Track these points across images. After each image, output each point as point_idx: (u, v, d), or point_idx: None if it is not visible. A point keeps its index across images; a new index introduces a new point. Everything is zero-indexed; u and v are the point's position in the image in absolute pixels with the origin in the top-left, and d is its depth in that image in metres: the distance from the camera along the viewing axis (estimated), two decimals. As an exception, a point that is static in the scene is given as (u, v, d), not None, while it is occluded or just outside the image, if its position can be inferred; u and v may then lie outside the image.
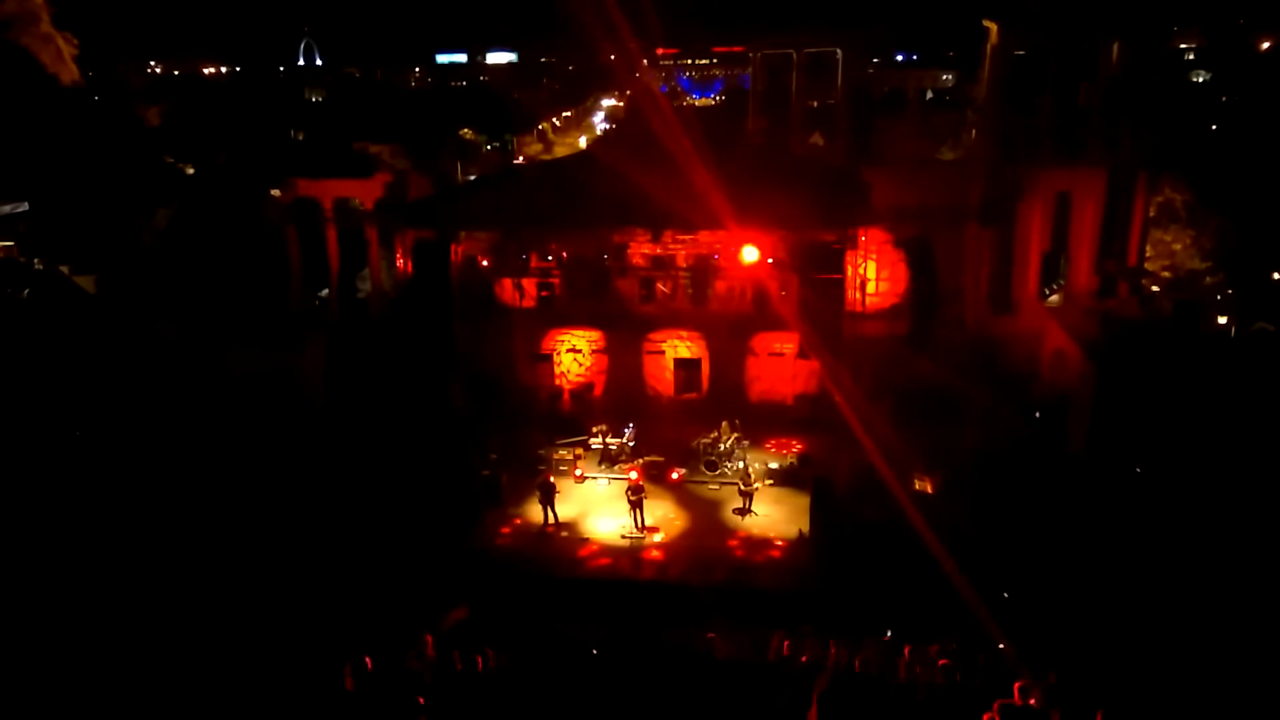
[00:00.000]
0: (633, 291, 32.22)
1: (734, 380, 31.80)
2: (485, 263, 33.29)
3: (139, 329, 30.87)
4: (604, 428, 28.31)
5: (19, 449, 23.18)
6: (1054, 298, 31.81)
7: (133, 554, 19.67)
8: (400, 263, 34.12)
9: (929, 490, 24.14)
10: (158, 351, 29.59)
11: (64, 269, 34.02)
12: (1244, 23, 76.81)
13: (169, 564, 19.31)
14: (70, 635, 15.61)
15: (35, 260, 34.23)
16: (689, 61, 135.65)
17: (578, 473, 27.15)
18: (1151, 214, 33.44)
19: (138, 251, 36.62)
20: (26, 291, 31.91)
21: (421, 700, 11.34)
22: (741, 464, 26.59)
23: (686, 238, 31.48)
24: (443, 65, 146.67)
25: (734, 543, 23.90)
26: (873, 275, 30.23)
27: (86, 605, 17.14)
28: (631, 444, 27.92)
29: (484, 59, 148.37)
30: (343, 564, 20.46)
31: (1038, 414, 28.17)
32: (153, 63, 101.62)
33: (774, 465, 27.08)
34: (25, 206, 36.91)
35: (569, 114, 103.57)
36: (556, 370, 32.99)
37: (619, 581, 22.30)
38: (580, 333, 32.70)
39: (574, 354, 32.91)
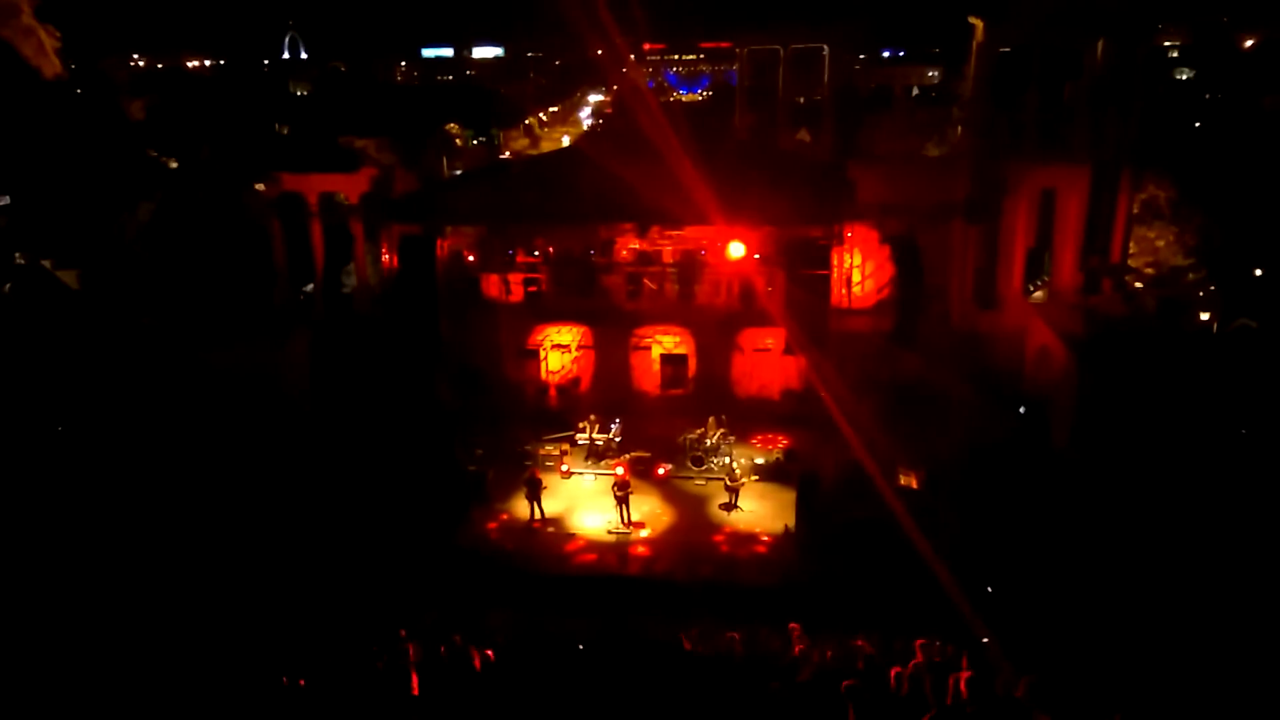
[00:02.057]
0: (619, 287, 32.18)
1: (720, 376, 31.82)
2: (471, 258, 33.22)
3: (122, 324, 30.65)
4: (592, 422, 28.30)
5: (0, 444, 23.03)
6: (1038, 294, 31.95)
7: (115, 550, 19.57)
8: (386, 258, 33.98)
9: (914, 486, 24.24)
10: (141, 346, 29.39)
11: (46, 263, 33.78)
12: (1227, 20, 77.22)
13: (152, 560, 19.22)
14: (49, 631, 15.53)
15: (17, 254, 33.96)
16: (676, 57, 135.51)
17: (564, 468, 27.16)
18: (1135, 211, 33.57)
19: (121, 246, 36.33)
20: (8, 286, 31.69)
21: (410, 694, 11.33)
22: (728, 459, 26.65)
23: (673, 233, 31.51)
24: (429, 59, 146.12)
25: (720, 538, 23.97)
26: (858, 271, 30.29)
27: (66, 601, 17.04)
28: (618, 440, 27.94)
29: (470, 53, 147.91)
30: (328, 561, 20.41)
31: (1022, 409, 28.31)
32: (136, 56, 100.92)
33: (760, 461, 27.14)
34: (7, 200, 36.61)
35: (556, 109, 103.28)
36: (543, 366, 32.94)
37: (605, 577, 22.37)
38: (567, 328, 32.67)
39: (560, 349, 32.87)
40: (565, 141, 75.39)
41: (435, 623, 17.59)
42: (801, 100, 66.38)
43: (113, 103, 46.05)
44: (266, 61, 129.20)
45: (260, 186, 35.40)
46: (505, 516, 25.30)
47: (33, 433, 24.46)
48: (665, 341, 32.34)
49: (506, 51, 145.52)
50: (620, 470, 24.80)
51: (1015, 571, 19.74)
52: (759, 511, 25.02)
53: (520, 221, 30.74)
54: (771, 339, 31.44)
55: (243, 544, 20.58)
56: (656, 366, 32.56)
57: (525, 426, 29.33)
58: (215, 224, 37.00)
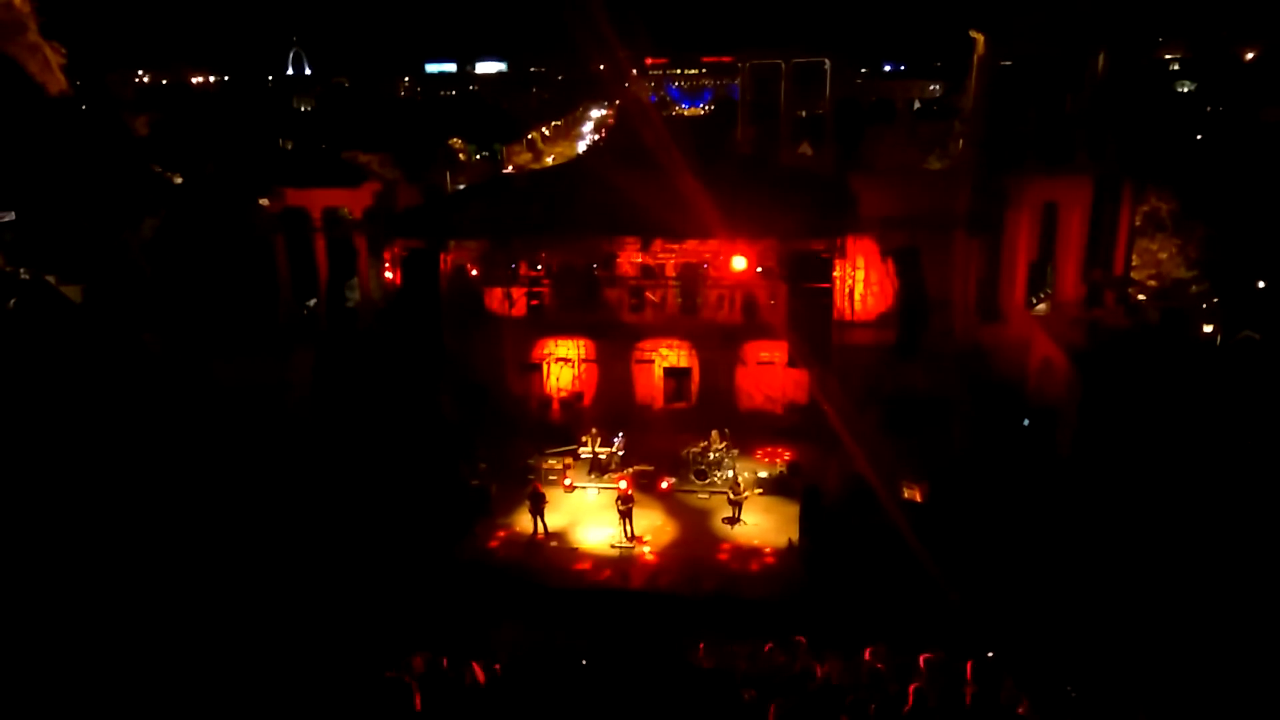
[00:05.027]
0: (622, 301, 32.21)
1: (723, 389, 31.82)
2: (474, 272, 33.24)
3: (126, 339, 30.72)
4: (594, 436, 28.28)
5: (4, 459, 23.02)
6: (1041, 306, 31.95)
7: (118, 565, 19.56)
8: (389, 272, 34.05)
9: (917, 499, 24.17)
10: (145, 362, 29.45)
11: (51, 279, 33.85)
12: (1228, 34, 77.44)
13: (155, 575, 19.20)
14: (55, 644, 15.51)
15: (21, 270, 34.05)
16: (678, 71, 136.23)
17: (567, 482, 27.13)
18: (1137, 223, 33.60)
19: (125, 261, 36.43)
20: (13, 301, 31.73)
21: (413, 710, 11.29)
22: (731, 473, 26.62)
23: (676, 247, 31.52)
24: (432, 75, 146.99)
25: (723, 552, 23.89)
26: (861, 284, 30.30)
27: (70, 615, 17.03)
28: (621, 453, 27.92)
29: (473, 68, 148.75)
30: (331, 575, 20.37)
31: (1025, 422, 28.27)
32: (141, 72, 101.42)
33: (763, 474, 27.11)
34: (12, 216, 36.73)
35: (558, 123, 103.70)
36: (546, 380, 32.96)
37: (608, 591, 22.28)
38: (570, 342, 32.68)
39: (563, 363, 32.90)
40: (558, 158, 75.73)
41: (438, 637, 17.56)
42: (803, 114, 66.72)
43: (117, 118, 46.24)
44: (270, 77, 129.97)
45: (264, 202, 35.53)
46: (508, 531, 25.24)
47: (37, 447, 24.46)
48: (668, 355, 32.34)
49: (509, 66, 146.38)
50: (623, 484, 24.77)
51: (1019, 584, 19.68)
52: (762, 525, 24.97)
53: (523, 235, 30.77)
54: (774, 352, 31.45)
55: (245, 558, 20.56)
56: (659, 380, 32.56)
57: (528, 440, 29.32)
58: (219, 239, 37.12)
